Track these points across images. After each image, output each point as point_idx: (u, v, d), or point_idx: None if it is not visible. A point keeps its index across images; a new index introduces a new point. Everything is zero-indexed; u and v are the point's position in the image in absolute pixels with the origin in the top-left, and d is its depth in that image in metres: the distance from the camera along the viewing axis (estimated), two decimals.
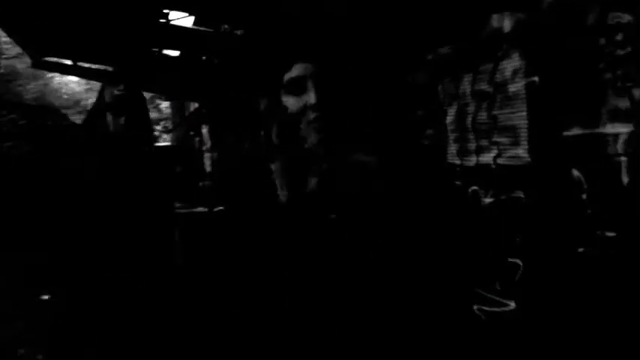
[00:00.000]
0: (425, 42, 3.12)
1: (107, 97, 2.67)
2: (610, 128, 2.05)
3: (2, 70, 15.09)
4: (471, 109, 2.71)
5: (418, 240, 3.22)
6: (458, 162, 2.86)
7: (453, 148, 2.90)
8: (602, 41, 2.06)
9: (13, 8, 7.83)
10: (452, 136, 2.90)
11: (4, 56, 14.91)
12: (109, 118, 2.70)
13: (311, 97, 1.15)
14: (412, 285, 3.17)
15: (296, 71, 1.31)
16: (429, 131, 3.10)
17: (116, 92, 2.62)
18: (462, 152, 2.81)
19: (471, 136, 2.73)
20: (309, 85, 1.22)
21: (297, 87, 1.25)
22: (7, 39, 13.35)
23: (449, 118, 2.91)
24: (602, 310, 2.13)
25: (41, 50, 11.26)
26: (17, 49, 14.18)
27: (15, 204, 8.13)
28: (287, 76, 1.27)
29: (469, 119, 2.73)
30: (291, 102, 1.30)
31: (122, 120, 2.63)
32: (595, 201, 2.09)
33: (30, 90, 17.53)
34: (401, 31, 3.40)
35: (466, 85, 2.74)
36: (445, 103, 2.94)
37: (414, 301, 3.09)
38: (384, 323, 2.54)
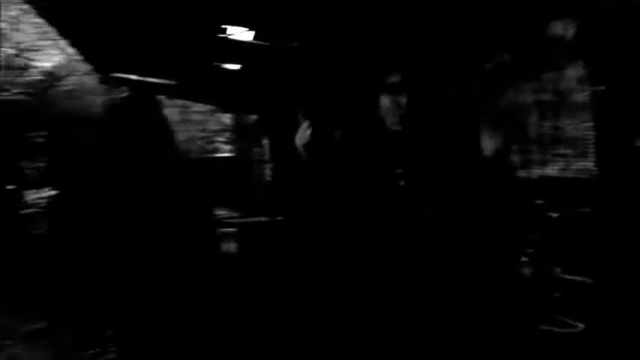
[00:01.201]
0: (484, 51, 3.05)
1: (111, 102, 2.58)
2: None
3: (73, 87, 15.97)
4: (534, 119, 2.62)
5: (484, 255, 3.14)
6: (523, 175, 2.76)
7: (517, 160, 2.81)
8: None
9: (84, 28, 8.28)
10: (515, 148, 2.81)
11: (76, 73, 15.76)
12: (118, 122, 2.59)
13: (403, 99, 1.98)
14: (477, 304, 3.09)
15: (394, 77, 2.07)
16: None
17: (119, 95, 2.48)
18: (526, 164, 2.72)
19: (535, 148, 2.63)
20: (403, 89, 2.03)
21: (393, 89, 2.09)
22: (78, 57, 14.10)
23: (513, 129, 2.83)
24: None
25: (109, 67, 11.86)
26: (88, 66, 14.96)
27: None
28: (387, 80, 2.07)
29: (532, 130, 2.63)
30: (385, 101, 2.13)
31: (129, 123, 2.49)
32: None
33: (99, 105, 18.47)
34: (459, 40, 3.34)
35: (528, 95, 2.65)
36: (507, 113, 2.86)
37: (477, 321, 3.01)
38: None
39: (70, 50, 13.79)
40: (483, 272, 3.02)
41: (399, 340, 2.29)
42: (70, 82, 15.74)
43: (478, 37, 3.09)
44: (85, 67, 15.64)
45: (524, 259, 2.70)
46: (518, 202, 3.23)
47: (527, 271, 2.68)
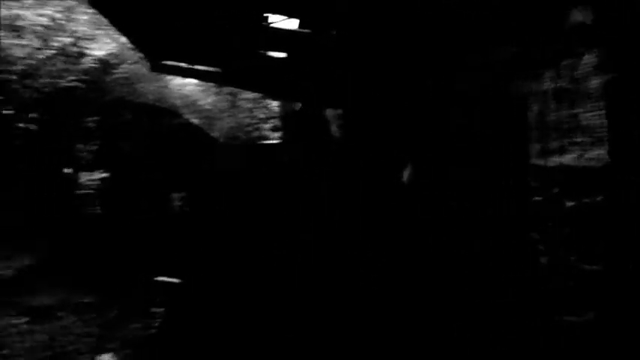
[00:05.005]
0: (504, 37, 3.02)
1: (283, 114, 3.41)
2: None
3: (127, 74, 16.53)
4: (552, 107, 2.59)
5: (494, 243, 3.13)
6: (541, 163, 2.74)
7: (535, 149, 2.78)
8: None
9: (134, 17, 8.57)
10: (534, 136, 2.78)
11: (127, 61, 16.31)
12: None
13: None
14: (489, 290, 3.10)
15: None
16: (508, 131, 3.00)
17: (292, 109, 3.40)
18: (544, 153, 2.69)
19: (554, 136, 2.60)
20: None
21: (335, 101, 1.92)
22: (130, 45, 14.55)
23: (530, 117, 2.80)
24: None
25: (160, 54, 12.19)
26: (139, 54, 15.45)
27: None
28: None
29: (551, 118, 2.60)
30: (329, 111, 1.95)
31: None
32: None
33: (151, 92, 19.02)
34: (482, 26, 3.31)
35: (547, 83, 2.62)
36: (527, 101, 2.83)
37: (494, 309, 3.02)
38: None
39: (123, 39, 14.27)
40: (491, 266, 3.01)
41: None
42: (122, 70, 16.31)
43: (488, 29, 3.06)
44: (136, 55, 16.16)
45: (540, 247, 2.69)
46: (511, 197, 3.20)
47: (542, 259, 2.67)
